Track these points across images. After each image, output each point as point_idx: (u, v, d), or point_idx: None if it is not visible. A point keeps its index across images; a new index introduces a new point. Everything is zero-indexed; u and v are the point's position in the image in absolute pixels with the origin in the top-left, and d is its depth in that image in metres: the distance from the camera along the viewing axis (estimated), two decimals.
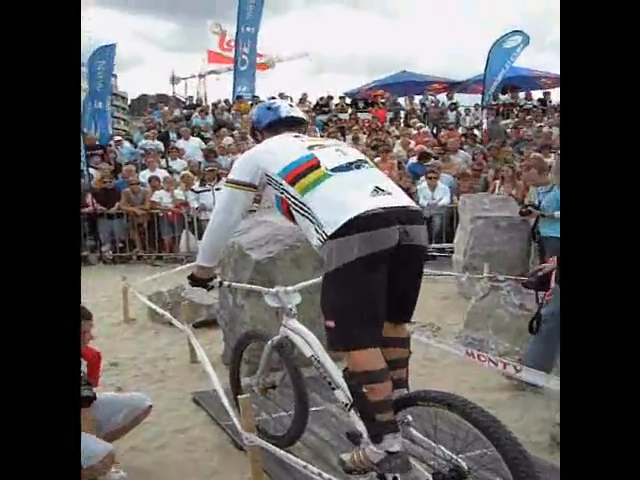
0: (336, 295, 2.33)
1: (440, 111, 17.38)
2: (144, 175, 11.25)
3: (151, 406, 3.40)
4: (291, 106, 3.05)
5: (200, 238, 3.17)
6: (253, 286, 3.60)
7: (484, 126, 14.35)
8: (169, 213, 10.34)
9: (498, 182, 9.49)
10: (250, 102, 17.25)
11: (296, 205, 2.46)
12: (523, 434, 3.16)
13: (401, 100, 19.25)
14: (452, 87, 20.58)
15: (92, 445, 2.89)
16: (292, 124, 2.91)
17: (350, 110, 17.95)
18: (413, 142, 13.25)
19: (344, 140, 12.37)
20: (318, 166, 2.47)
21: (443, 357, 4.79)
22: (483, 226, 7.37)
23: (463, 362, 4.24)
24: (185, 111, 18.10)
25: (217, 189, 9.84)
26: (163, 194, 10.47)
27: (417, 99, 19.08)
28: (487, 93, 14.32)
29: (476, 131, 14.65)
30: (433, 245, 8.94)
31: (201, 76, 27.31)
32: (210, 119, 16.19)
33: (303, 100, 17.92)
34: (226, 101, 18.38)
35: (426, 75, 22.39)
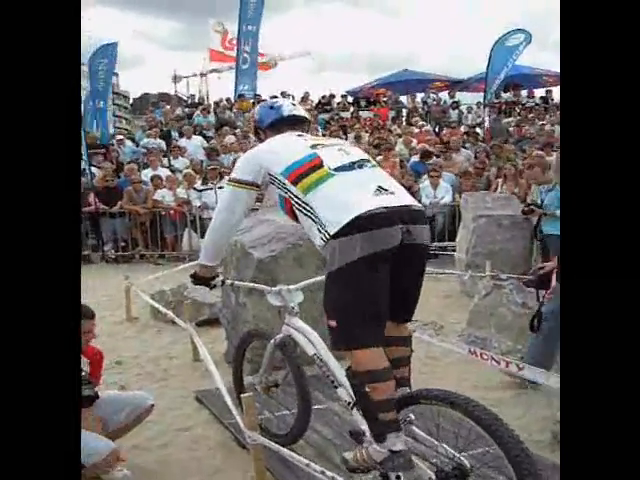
0: (339, 294, 2.33)
1: (442, 109, 17.36)
2: (146, 174, 11.26)
3: (153, 405, 3.40)
4: (294, 105, 3.04)
5: (202, 237, 3.18)
6: (255, 284, 3.60)
7: (486, 124, 14.32)
8: (171, 212, 10.35)
9: (500, 180, 9.48)
10: (252, 100, 17.26)
11: (299, 204, 2.46)
12: (525, 432, 3.16)
13: (403, 98, 19.25)
14: (454, 85, 20.53)
15: (95, 443, 2.91)
16: (295, 123, 2.91)
17: (352, 108, 17.93)
18: (415, 140, 13.23)
19: (346, 139, 12.37)
20: (321, 165, 2.47)
21: (445, 355, 4.80)
22: (485, 224, 7.36)
23: (465, 360, 4.24)
24: (187, 110, 18.11)
25: (219, 188, 9.83)
26: (165, 193, 10.48)
27: (419, 97, 19.09)
28: (489, 91, 14.28)
29: (478, 129, 14.64)
30: (435, 243, 8.94)
31: (203, 75, 27.31)
32: (212, 118, 16.20)
33: (305, 99, 17.91)
34: (228, 99, 18.39)
35: (428, 73, 22.37)
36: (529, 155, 9.77)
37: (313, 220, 2.40)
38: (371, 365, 2.29)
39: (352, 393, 2.47)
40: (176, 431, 3.78)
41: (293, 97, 16.01)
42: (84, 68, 14.00)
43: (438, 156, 11.47)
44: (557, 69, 17.14)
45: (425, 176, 10.41)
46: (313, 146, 2.58)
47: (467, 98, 19.09)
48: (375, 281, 2.29)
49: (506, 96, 17.52)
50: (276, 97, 13.04)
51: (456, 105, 17.54)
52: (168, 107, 17.92)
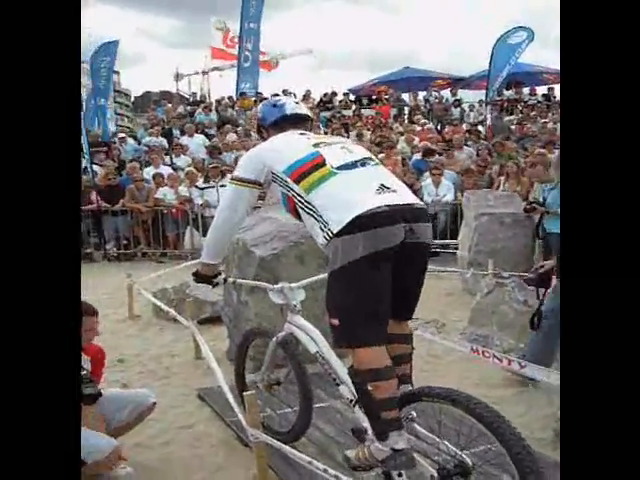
0: (341, 293, 2.34)
1: (444, 107, 17.35)
2: (148, 172, 11.26)
3: (155, 402, 3.41)
4: (297, 103, 3.04)
5: (204, 235, 3.18)
6: (257, 282, 3.60)
7: (488, 122, 14.31)
8: (173, 210, 10.35)
9: (503, 178, 9.47)
10: (254, 98, 17.28)
11: (302, 203, 2.46)
12: (527, 430, 3.15)
13: (405, 96, 19.25)
14: (456, 83, 20.53)
15: (98, 441, 2.91)
16: (298, 121, 2.91)
17: (354, 106, 17.93)
18: (417, 138, 13.23)
19: (348, 137, 12.36)
20: (323, 164, 2.47)
21: (447, 353, 4.80)
22: (487, 222, 7.36)
23: (467, 358, 4.24)
24: (189, 108, 18.12)
25: (221, 186, 9.84)
26: (167, 191, 10.48)
27: (421, 95, 19.06)
28: (491, 89, 14.27)
29: (480, 127, 14.62)
30: (437, 241, 8.94)
31: (204, 73, 27.27)
32: (214, 116, 16.21)
33: (307, 96, 17.91)
34: (230, 98, 18.39)
35: (430, 71, 22.35)
36: (531, 153, 9.76)
37: (315, 219, 2.40)
38: (374, 364, 2.30)
39: (354, 390, 2.47)
40: (178, 429, 3.78)
41: (295, 95, 16.00)
42: (85, 66, 14.02)
43: (440, 154, 11.46)
44: (559, 67, 17.12)
45: (427, 174, 10.41)
46: (316, 144, 2.58)
47: (469, 96, 19.08)
48: (377, 279, 2.29)
49: (508, 94, 17.50)
50: (278, 95, 13.05)
51: (458, 103, 17.54)
52: (170, 105, 17.94)
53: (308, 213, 2.44)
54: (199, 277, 3.00)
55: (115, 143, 13.52)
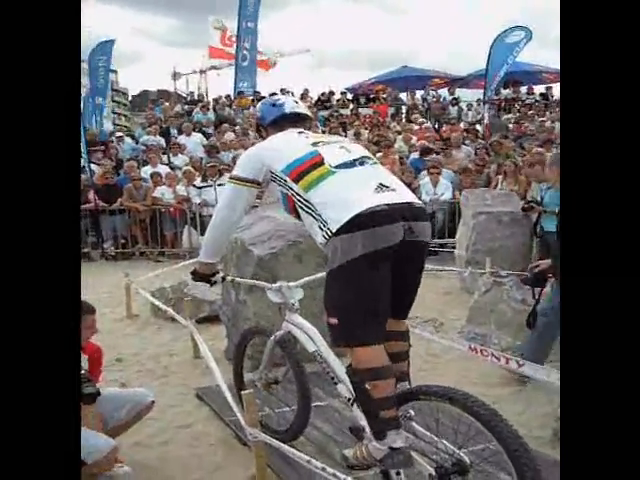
0: (340, 292, 2.34)
1: (442, 106, 17.37)
2: (146, 171, 11.26)
3: (154, 401, 3.40)
4: (296, 102, 3.03)
5: (202, 234, 3.18)
6: (256, 281, 3.60)
7: (485, 121, 14.32)
8: (171, 209, 10.34)
9: (500, 177, 9.47)
10: (251, 97, 17.27)
11: (301, 202, 2.46)
12: (526, 428, 3.17)
13: (403, 95, 19.26)
14: (453, 82, 20.54)
15: (96, 441, 2.91)
16: (297, 120, 2.90)
17: (351, 105, 17.93)
18: (415, 137, 13.24)
19: (345, 136, 12.37)
20: (322, 163, 2.47)
21: (446, 352, 4.80)
22: (485, 221, 7.36)
23: (466, 357, 4.24)
24: (186, 107, 18.11)
25: (219, 185, 9.83)
26: (165, 190, 10.47)
27: (419, 94, 19.07)
28: (489, 88, 14.26)
29: (478, 126, 14.63)
30: (435, 240, 8.94)
31: (202, 72, 27.23)
32: (211, 115, 16.20)
33: (305, 96, 17.91)
34: (227, 97, 18.39)
35: (427, 70, 22.36)
36: (529, 152, 9.76)
37: (314, 217, 2.40)
38: (372, 363, 2.30)
39: (352, 389, 2.47)
40: (177, 428, 3.78)
41: (292, 94, 15.99)
42: (84, 65, 14.00)
43: (438, 153, 11.47)
44: (557, 66, 17.13)
45: (424, 173, 10.41)
46: (314, 144, 2.58)
47: (467, 95, 19.08)
48: (376, 279, 2.29)
49: (506, 93, 17.53)
50: (276, 94, 13.03)
51: (456, 102, 17.55)
52: (167, 104, 17.91)
53: (307, 212, 2.44)
54: (197, 276, 3.00)
55: (113, 142, 13.50)
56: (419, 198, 2.58)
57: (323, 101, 18.34)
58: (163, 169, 11.29)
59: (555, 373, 2.99)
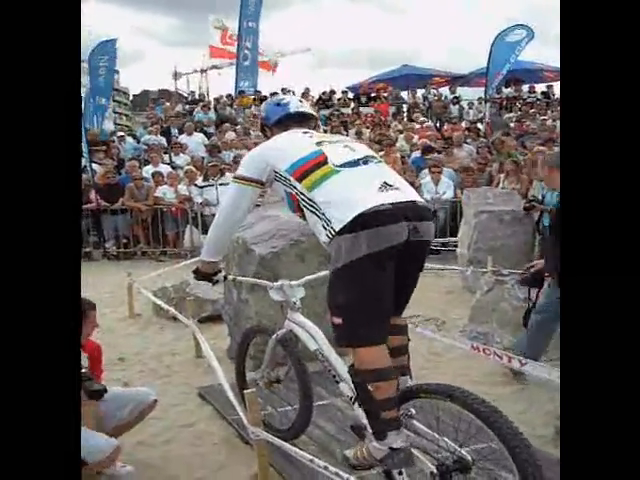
0: (344, 292, 2.33)
1: (443, 105, 17.34)
2: (147, 170, 11.26)
3: (156, 401, 3.41)
4: (301, 102, 3.02)
5: (204, 233, 3.19)
6: (257, 280, 3.61)
7: (487, 119, 14.30)
8: (173, 208, 10.34)
9: (502, 176, 9.46)
10: (252, 97, 17.27)
11: (305, 201, 2.46)
12: (528, 427, 3.16)
13: (404, 94, 19.22)
14: (455, 81, 20.51)
15: (98, 441, 2.91)
16: (301, 120, 2.90)
17: (353, 104, 17.91)
18: (416, 136, 13.23)
19: (347, 135, 12.37)
20: (325, 162, 2.46)
21: (448, 351, 4.80)
22: (487, 220, 7.36)
23: (468, 356, 4.24)
24: (187, 106, 18.11)
25: (220, 184, 9.84)
26: (167, 189, 10.48)
27: (420, 93, 19.04)
28: (490, 86, 14.24)
29: (479, 125, 14.62)
30: (437, 239, 8.93)
31: (203, 71, 27.29)
32: (212, 114, 16.20)
33: (306, 95, 17.89)
34: (228, 96, 18.38)
35: (428, 69, 22.33)
36: (530, 150, 9.76)
37: (318, 216, 2.40)
38: (376, 364, 2.30)
39: (354, 387, 2.47)
40: (179, 427, 3.79)
41: (294, 93, 15.98)
42: (84, 65, 13.98)
43: (440, 152, 11.46)
44: (557, 64, 17.10)
45: (426, 171, 10.40)
46: (318, 143, 2.58)
47: (468, 93, 19.05)
48: (380, 278, 2.29)
49: (507, 91, 17.49)
50: (277, 94, 13.05)
51: (457, 100, 17.52)
52: (168, 104, 17.93)
53: (311, 211, 2.44)
54: (199, 275, 3.00)
55: (114, 142, 13.51)
56: (421, 197, 2.58)
57: (324, 100, 18.31)
58: (165, 169, 11.29)
59: (556, 371, 2.99)
